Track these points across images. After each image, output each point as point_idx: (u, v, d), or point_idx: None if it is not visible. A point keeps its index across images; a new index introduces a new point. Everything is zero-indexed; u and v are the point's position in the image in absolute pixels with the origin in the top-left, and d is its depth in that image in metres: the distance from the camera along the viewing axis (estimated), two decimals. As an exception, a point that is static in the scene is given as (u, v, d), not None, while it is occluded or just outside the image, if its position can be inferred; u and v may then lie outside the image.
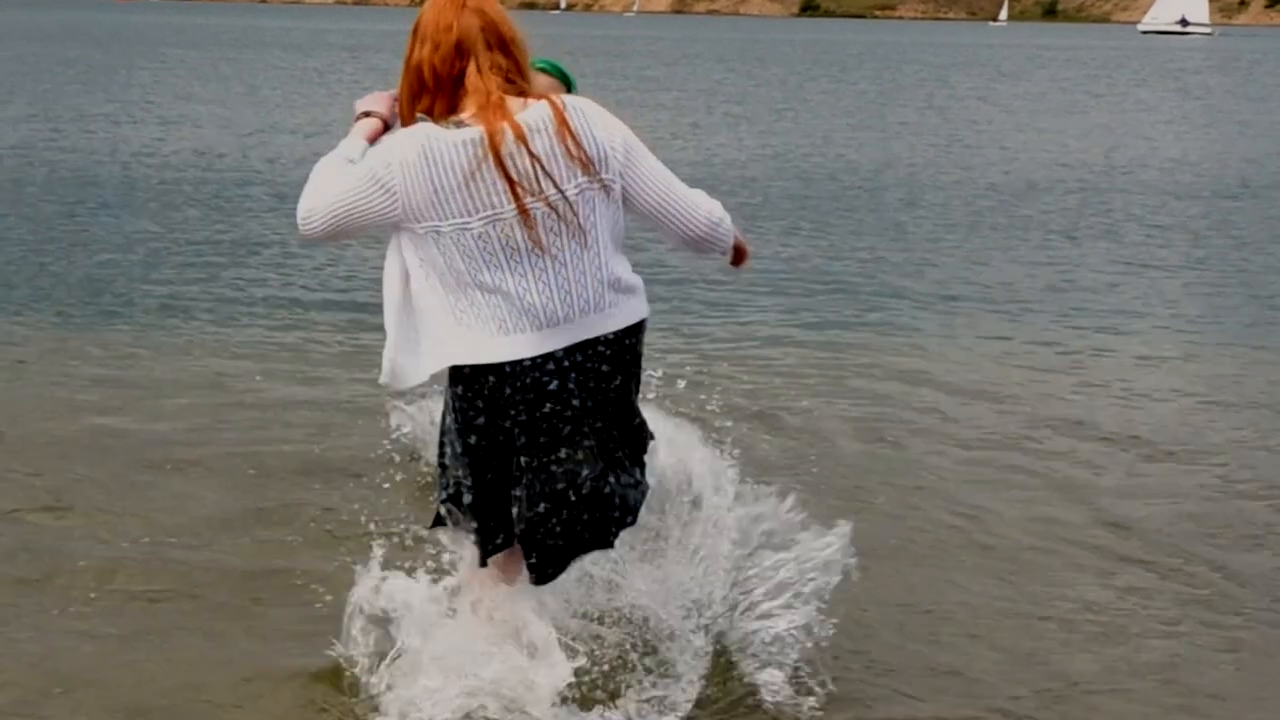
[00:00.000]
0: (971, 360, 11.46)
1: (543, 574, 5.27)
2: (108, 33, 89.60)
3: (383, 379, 5.30)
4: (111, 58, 58.87)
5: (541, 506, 5.15)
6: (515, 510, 5.20)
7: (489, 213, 4.97)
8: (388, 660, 5.50)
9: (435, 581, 5.59)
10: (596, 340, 5.11)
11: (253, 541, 7.28)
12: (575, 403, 5.10)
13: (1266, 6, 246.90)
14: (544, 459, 5.13)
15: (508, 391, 5.06)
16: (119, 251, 15.24)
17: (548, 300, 5.04)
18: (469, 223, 4.97)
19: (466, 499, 5.29)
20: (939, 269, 15.71)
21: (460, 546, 5.49)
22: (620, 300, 5.16)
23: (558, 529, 5.17)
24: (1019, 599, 6.82)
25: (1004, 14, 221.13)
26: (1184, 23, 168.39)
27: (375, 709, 5.44)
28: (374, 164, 5.01)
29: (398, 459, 8.15)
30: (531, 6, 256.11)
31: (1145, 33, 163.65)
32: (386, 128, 5.32)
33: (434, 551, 5.99)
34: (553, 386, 5.06)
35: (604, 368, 5.14)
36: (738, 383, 10.38)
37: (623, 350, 5.17)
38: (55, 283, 13.47)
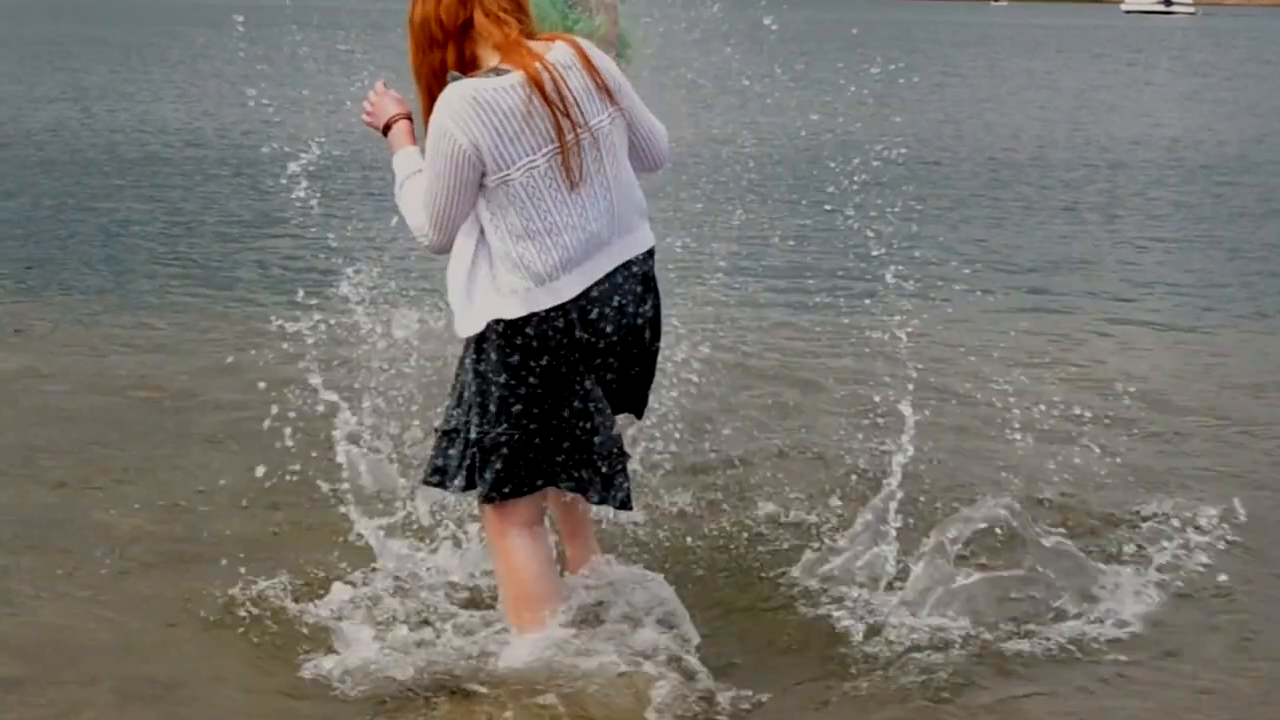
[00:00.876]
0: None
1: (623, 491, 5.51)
2: (128, 10, 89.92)
3: (458, 329, 5.35)
4: (134, 36, 58.85)
5: (612, 423, 5.43)
6: (585, 438, 5.36)
7: (548, 148, 5.14)
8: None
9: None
10: (632, 261, 5.38)
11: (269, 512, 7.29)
12: (625, 321, 5.35)
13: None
14: (612, 378, 5.41)
15: (592, 315, 5.26)
16: (149, 223, 15.30)
17: (601, 226, 5.26)
18: (535, 161, 5.14)
19: (504, 452, 5.33)
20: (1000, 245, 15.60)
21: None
22: (643, 224, 5.46)
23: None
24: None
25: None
26: (1167, 2, 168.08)
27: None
28: (439, 141, 5.09)
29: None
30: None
31: (1129, 12, 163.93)
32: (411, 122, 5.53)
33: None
34: (615, 304, 5.31)
35: (638, 288, 5.38)
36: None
37: (649, 272, 5.46)
38: (86, 255, 13.51)
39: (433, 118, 5.14)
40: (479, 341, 5.26)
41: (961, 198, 19.40)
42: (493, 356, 5.24)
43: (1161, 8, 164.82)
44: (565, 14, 7.79)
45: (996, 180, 21.32)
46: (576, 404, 5.29)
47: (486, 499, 5.42)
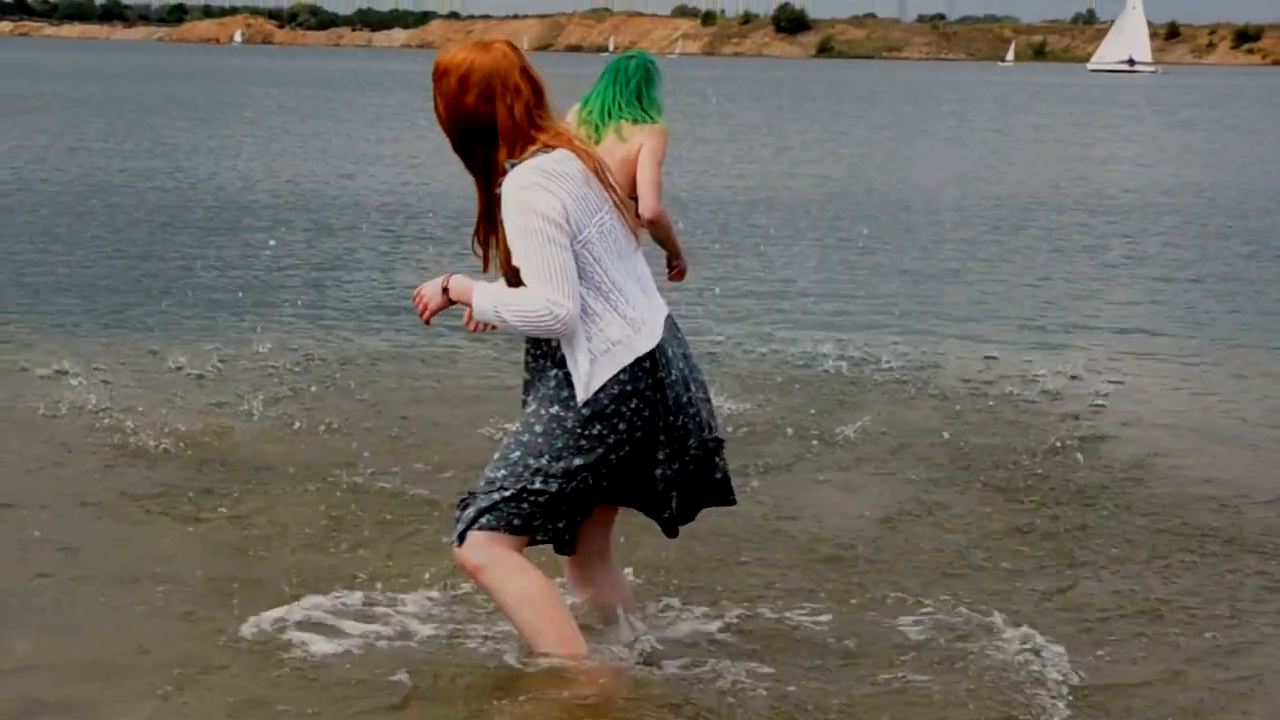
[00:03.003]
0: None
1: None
2: (203, 73, 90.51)
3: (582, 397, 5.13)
4: (212, 95, 59.17)
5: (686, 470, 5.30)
6: (658, 489, 5.26)
7: (607, 206, 5.14)
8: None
9: None
10: (668, 312, 5.35)
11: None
12: (680, 364, 5.28)
13: (1232, 47, 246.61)
14: (682, 426, 5.23)
15: (667, 357, 5.18)
16: (237, 269, 15.06)
17: (647, 276, 5.31)
18: (602, 219, 5.12)
19: (556, 498, 5.16)
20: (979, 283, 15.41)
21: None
22: None
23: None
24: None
25: (1010, 55, 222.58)
26: (1131, 62, 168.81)
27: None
28: (532, 218, 4.98)
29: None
30: (578, 49, 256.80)
31: (1094, 71, 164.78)
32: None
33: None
34: (673, 348, 5.27)
35: (678, 333, 5.35)
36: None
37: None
38: (180, 294, 13.29)
39: (514, 204, 4.99)
40: (587, 406, 5.12)
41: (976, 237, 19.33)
42: (605, 406, 5.11)
43: (1126, 67, 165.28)
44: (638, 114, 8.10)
45: (1017, 224, 21.20)
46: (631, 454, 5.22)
47: (498, 529, 5.18)
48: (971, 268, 16.74)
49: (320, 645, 5.59)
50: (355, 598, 6.05)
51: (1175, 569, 6.84)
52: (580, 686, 5.25)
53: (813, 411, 9.57)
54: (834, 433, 9.08)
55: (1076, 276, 16.27)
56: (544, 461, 5.12)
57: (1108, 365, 11.48)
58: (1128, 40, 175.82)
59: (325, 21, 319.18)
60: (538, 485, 5.11)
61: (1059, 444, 8.91)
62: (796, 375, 10.75)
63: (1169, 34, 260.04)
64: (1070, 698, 5.37)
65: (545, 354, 5.19)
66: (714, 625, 5.97)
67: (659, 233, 8.17)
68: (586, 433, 5.11)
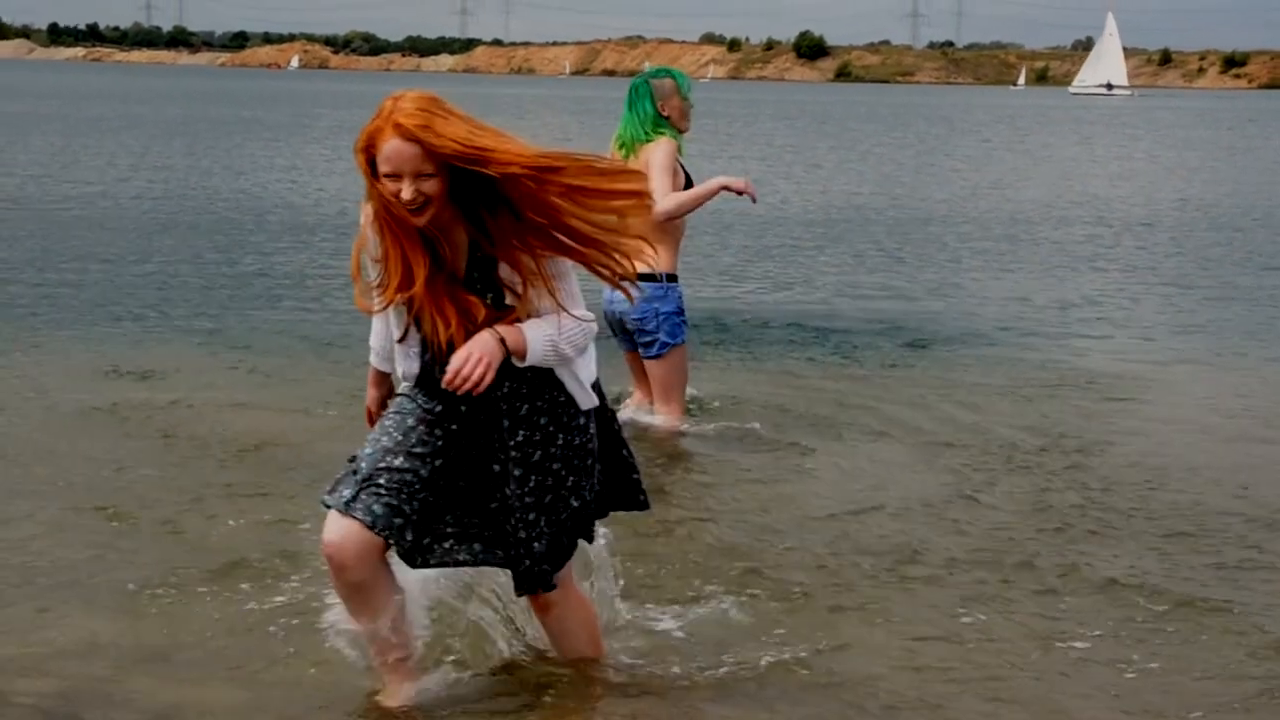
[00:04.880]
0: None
1: None
2: (268, 96, 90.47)
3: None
4: (281, 116, 59.30)
5: None
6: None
7: None
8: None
9: None
10: None
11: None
12: None
13: (1221, 72, 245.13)
14: None
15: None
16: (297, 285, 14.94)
17: None
18: None
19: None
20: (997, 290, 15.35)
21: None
22: None
23: None
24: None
25: (1021, 80, 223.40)
26: (1109, 86, 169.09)
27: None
28: None
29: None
30: (612, 73, 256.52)
31: (1075, 94, 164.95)
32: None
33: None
34: None
35: None
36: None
37: None
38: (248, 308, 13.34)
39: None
40: (589, 412, 4.87)
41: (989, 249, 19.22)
42: (593, 419, 4.88)
43: (1103, 91, 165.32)
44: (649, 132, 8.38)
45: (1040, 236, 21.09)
46: None
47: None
48: (992, 274, 16.80)
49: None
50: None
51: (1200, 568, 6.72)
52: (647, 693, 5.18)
53: (824, 408, 9.59)
54: (845, 426, 9.18)
55: (1100, 282, 16.22)
56: (586, 495, 4.88)
57: (1133, 365, 11.47)
58: (1106, 65, 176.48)
59: (377, 48, 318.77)
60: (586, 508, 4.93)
61: (1082, 442, 8.89)
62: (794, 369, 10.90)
63: (1162, 60, 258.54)
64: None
65: (512, 394, 4.73)
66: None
67: (683, 216, 8.36)
68: (592, 439, 4.86)
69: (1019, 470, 8.28)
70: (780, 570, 6.49)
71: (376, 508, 4.62)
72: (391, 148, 4.41)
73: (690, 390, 9.12)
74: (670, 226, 8.30)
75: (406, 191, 4.43)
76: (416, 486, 4.69)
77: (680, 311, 8.50)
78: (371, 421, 5.11)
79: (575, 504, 4.82)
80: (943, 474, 8.17)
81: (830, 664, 5.50)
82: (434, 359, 4.67)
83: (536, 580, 4.79)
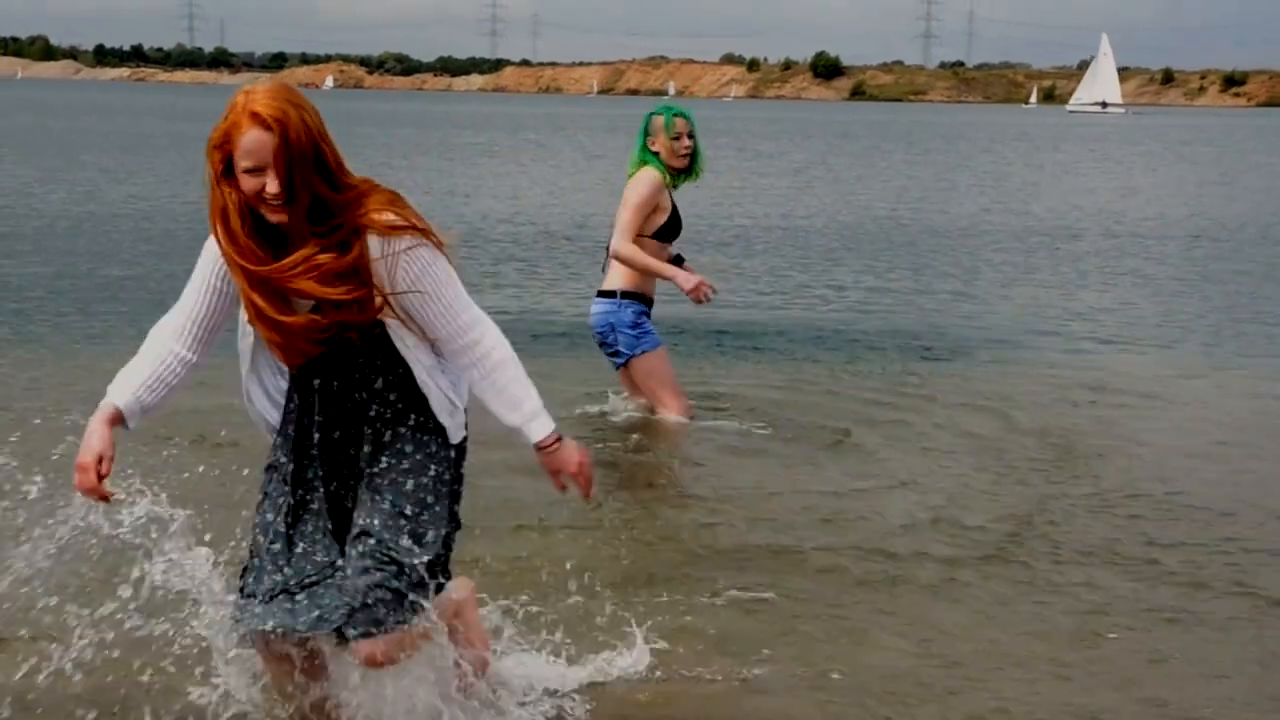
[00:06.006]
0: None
1: None
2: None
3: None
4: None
5: None
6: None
7: None
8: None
9: None
10: None
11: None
12: None
13: (1221, 91, 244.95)
14: None
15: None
16: None
17: None
18: None
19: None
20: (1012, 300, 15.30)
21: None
22: None
23: None
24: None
25: (1034, 98, 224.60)
26: (1104, 104, 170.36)
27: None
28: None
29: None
30: (636, 93, 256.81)
31: (1072, 111, 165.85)
32: None
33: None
34: None
35: None
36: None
37: None
38: None
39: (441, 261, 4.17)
40: (458, 446, 4.41)
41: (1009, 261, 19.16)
42: (460, 455, 4.42)
43: (1099, 109, 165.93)
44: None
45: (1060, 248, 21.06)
46: None
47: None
48: (1019, 284, 16.77)
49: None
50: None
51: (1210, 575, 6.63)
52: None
53: (838, 420, 9.47)
54: (865, 430, 9.15)
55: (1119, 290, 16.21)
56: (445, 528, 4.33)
57: (1142, 375, 11.43)
58: (1101, 84, 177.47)
59: (410, 68, 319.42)
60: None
61: (1098, 446, 8.85)
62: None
63: (1164, 79, 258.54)
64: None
65: (379, 417, 4.30)
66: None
67: (631, 266, 8.62)
68: (458, 474, 4.43)
69: (1032, 472, 8.24)
70: (797, 569, 6.46)
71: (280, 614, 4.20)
72: (251, 138, 3.98)
73: (710, 389, 9.67)
74: (647, 247, 8.60)
75: (271, 184, 3.99)
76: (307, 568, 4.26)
77: (636, 325, 8.76)
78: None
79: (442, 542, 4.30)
80: (960, 476, 8.15)
81: (853, 660, 5.47)
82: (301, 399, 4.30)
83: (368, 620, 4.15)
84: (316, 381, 4.26)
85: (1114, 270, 18.61)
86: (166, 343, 4.24)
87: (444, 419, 4.29)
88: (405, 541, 4.18)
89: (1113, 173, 44.14)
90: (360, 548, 4.19)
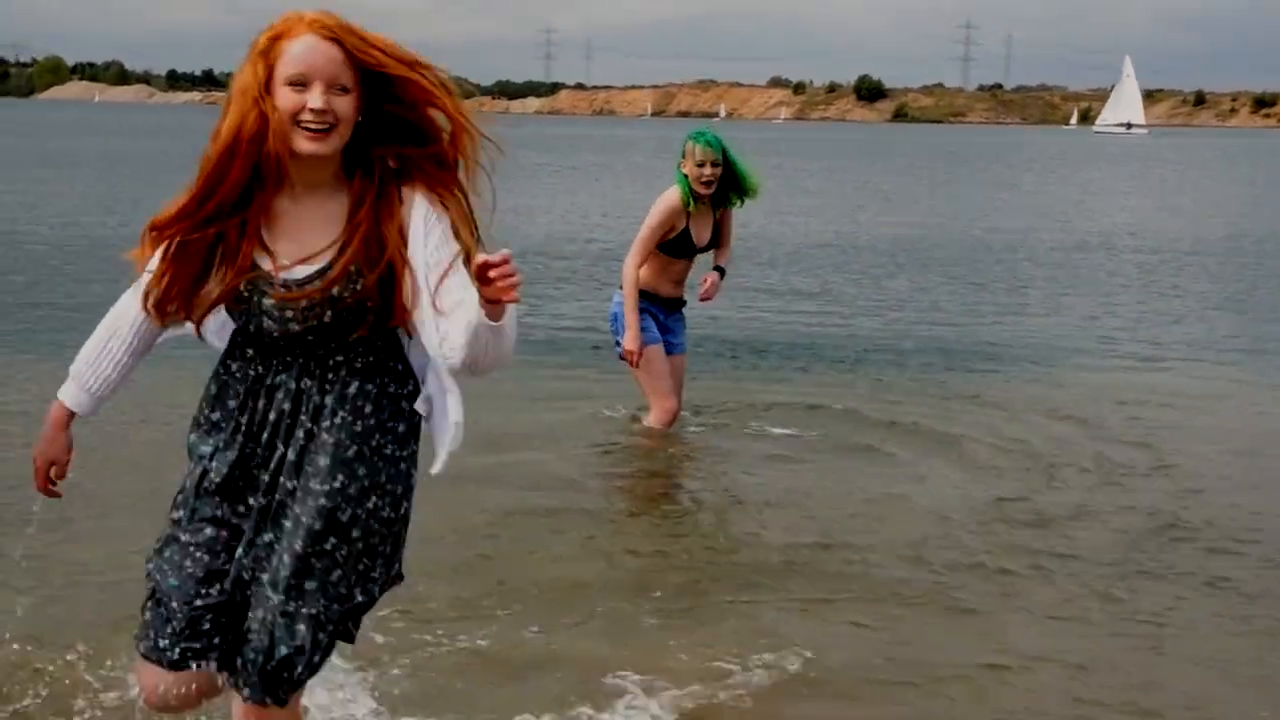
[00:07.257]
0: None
1: None
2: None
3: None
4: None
5: None
6: None
7: None
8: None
9: None
10: None
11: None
12: None
13: (1251, 112, 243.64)
14: None
15: None
16: None
17: None
18: None
19: None
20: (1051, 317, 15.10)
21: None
22: None
23: None
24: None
25: (1074, 119, 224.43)
26: (1128, 125, 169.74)
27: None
28: None
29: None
30: (687, 114, 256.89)
31: (1098, 132, 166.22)
32: None
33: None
34: None
35: None
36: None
37: None
38: None
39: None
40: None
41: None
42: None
43: (1123, 130, 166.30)
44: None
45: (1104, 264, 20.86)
46: None
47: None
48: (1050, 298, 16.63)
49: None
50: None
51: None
52: None
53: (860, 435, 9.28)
54: (906, 438, 9.08)
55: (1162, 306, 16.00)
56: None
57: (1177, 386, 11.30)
58: (1125, 105, 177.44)
59: (467, 91, 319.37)
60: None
61: (1144, 456, 8.72)
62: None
63: (1196, 101, 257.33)
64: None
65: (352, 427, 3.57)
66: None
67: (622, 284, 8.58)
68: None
69: (1072, 479, 8.15)
70: (831, 572, 6.41)
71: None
72: (305, 44, 3.29)
73: (751, 400, 9.84)
74: (657, 261, 8.57)
75: (317, 99, 3.28)
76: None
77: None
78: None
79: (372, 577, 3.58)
80: (1005, 482, 8.06)
81: (906, 658, 5.40)
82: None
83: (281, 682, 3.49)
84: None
85: (1154, 285, 18.41)
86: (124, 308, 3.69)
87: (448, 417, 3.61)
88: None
89: (1144, 191, 43.92)
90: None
